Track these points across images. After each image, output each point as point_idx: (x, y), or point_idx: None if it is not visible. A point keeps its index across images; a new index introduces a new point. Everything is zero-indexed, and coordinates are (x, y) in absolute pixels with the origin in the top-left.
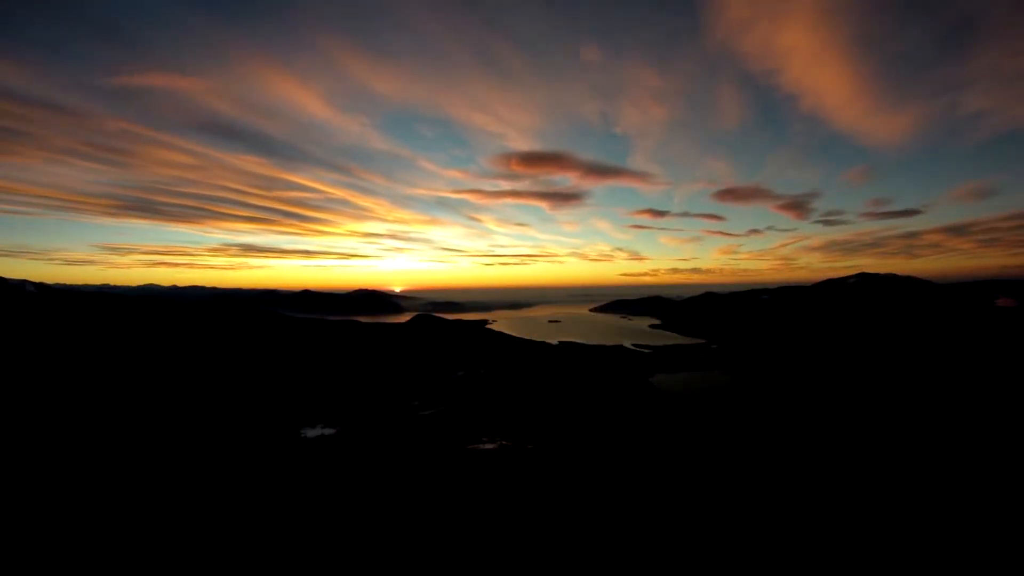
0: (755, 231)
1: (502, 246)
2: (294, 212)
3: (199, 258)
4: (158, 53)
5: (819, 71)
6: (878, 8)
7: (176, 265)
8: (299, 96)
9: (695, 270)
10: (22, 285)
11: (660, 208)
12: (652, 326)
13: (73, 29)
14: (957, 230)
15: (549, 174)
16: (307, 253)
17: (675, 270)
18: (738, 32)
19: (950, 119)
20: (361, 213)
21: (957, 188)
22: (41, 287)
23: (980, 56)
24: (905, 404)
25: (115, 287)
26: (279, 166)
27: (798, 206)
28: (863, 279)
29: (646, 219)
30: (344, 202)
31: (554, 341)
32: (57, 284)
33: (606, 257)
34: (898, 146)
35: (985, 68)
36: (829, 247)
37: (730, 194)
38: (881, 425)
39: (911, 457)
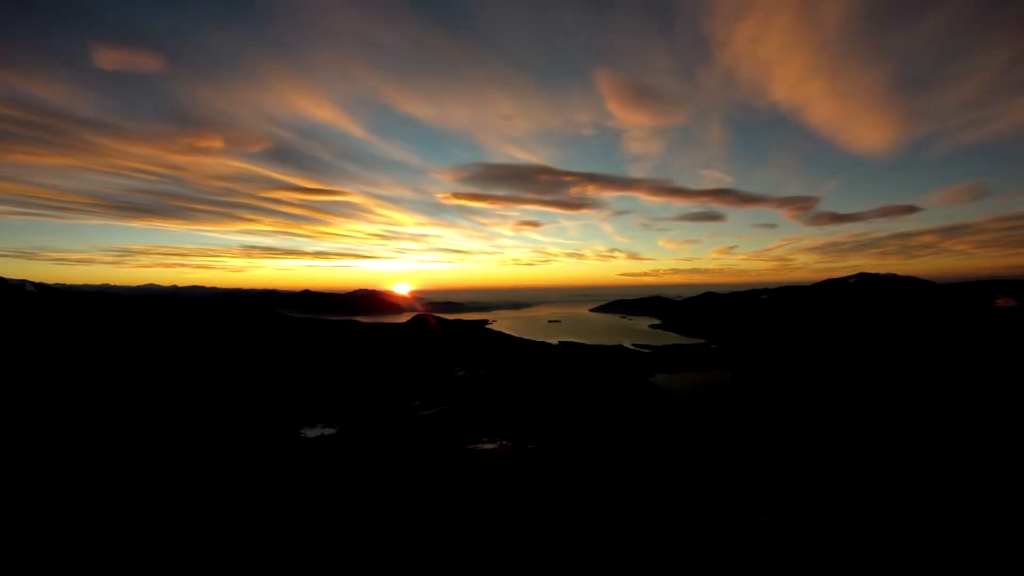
0: (752, 234)
1: (506, 248)
2: (321, 218)
3: (220, 259)
4: (226, 88)
5: (813, 104)
6: (855, 56)
7: (200, 267)
8: (344, 124)
9: (695, 270)
10: (22, 285)
11: (659, 213)
12: (652, 326)
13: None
14: (950, 231)
15: (556, 185)
16: (323, 254)
17: (675, 270)
18: (737, 81)
19: (927, 135)
20: (382, 219)
21: (946, 190)
22: (41, 287)
23: (940, 93)
24: (908, 404)
25: (115, 287)
26: (317, 180)
27: (794, 210)
28: (864, 279)
29: (646, 222)
30: (367, 209)
31: (554, 341)
32: (57, 284)
33: (606, 258)
34: (886, 155)
35: (941, 102)
36: (825, 248)
37: (728, 199)
38: (884, 425)
39: (913, 457)
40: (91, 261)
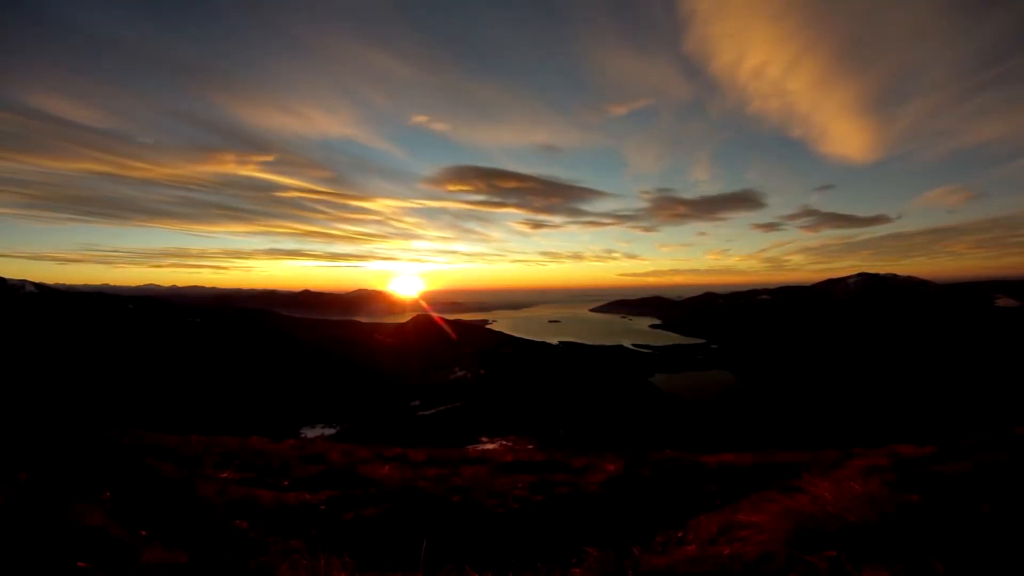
0: (748, 235)
1: (511, 251)
2: (346, 225)
3: (240, 261)
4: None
5: (805, 121)
6: (841, 75)
7: (222, 268)
8: (392, 150)
9: (694, 271)
10: (22, 285)
11: (658, 218)
12: (652, 326)
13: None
14: (943, 232)
15: (562, 194)
16: (341, 256)
17: (674, 270)
18: (733, 110)
19: (917, 140)
20: (403, 224)
21: (937, 192)
22: (40, 287)
23: (925, 102)
24: (913, 403)
25: (114, 287)
26: (349, 190)
27: (788, 213)
28: (864, 279)
29: (645, 227)
30: (388, 215)
31: (554, 341)
32: (57, 284)
33: (605, 259)
34: (876, 160)
35: (927, 110)
36: (819, 249)
37: (724, 204)
38: (890, 424)
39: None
40: (110, 261)
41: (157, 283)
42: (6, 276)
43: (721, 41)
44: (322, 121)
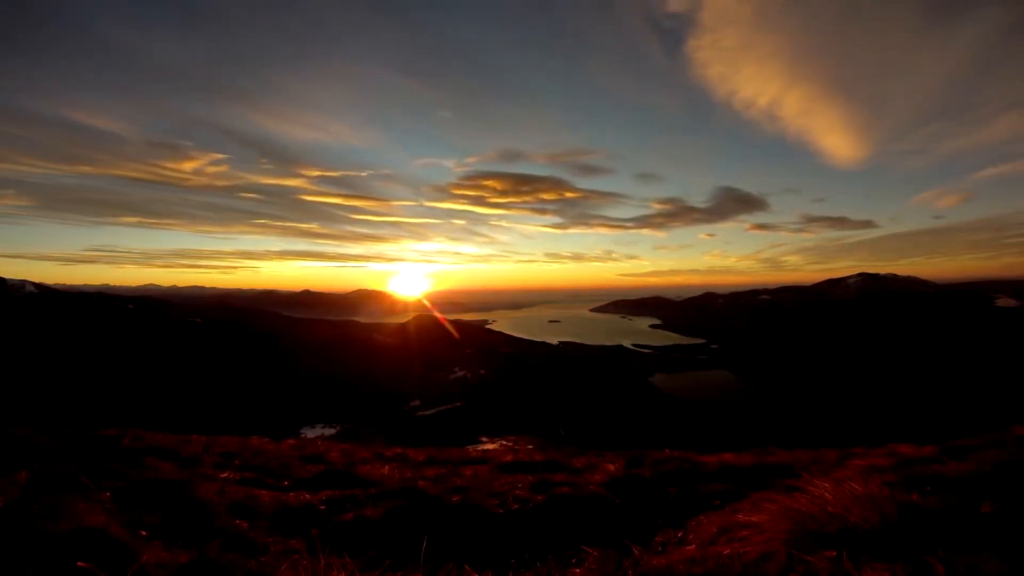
0: (746, 236)
1: (515, 252)
2: (360, 229)
3: (250, 261)
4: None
5: (801, 128)
6: (835, 83)
7: (231, 269)
8: (409, 158)
9: (693, 271)
10: (21, 285)
11: (658, 220)
12: (652, 326)
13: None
14: (939, 233)
15: (566, 198)
16: (344, 256)
17: (674, 271)
18: (732, 119)
19: (904, 148)
20: (411, 225)
21: (932, 193)
22: (41, 287)
23: (900, 120)
24: (911, 404)
25: (115, 287)
26: (367, 196)
27: (784, 214)
28: (864, 279)
29: (645, 229)
30: (397, 214)
31: (554, 341)
32: (58, 285)
33: (605, 259)
34: (868, 167)
35: (905, 125)
36: (816, 250)
37: (726, 207)
38: (888, 425)
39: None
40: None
41: (157, 283)
42: (8, 276)
43: (715, 81)
44: (345, 133)
